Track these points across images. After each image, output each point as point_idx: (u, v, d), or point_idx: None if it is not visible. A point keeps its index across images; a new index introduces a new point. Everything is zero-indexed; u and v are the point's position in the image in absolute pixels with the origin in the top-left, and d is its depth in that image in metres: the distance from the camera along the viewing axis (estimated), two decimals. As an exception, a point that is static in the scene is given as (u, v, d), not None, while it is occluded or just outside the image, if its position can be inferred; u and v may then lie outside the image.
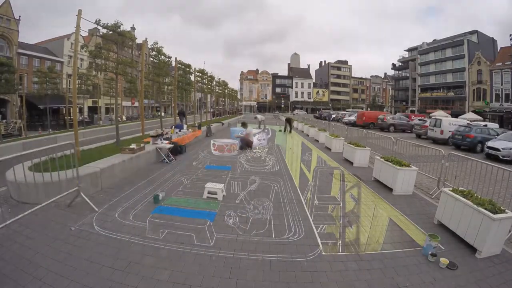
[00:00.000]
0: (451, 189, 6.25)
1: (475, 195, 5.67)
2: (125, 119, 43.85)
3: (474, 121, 36.81)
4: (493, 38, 64.76)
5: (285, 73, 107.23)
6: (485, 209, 5.04)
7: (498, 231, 4.98)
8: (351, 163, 12.42)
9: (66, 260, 4.29)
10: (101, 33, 11.73)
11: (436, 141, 23.07)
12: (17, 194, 6.41)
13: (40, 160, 6.34)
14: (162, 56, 17.69)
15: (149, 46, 18.28)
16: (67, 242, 4.83)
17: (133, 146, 9.96)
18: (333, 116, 56.12)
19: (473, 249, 5.15)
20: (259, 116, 29.47)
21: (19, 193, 6.33)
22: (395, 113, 73.42)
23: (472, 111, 52.13)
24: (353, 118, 43.72)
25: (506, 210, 5.11)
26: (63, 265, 4.16)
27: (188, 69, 23.68)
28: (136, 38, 19.36)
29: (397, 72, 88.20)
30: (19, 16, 35.48)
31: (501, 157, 15.72)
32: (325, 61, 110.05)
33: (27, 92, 32.04)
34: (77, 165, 6.37)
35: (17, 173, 5.91)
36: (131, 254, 4.58)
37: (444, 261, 4.64)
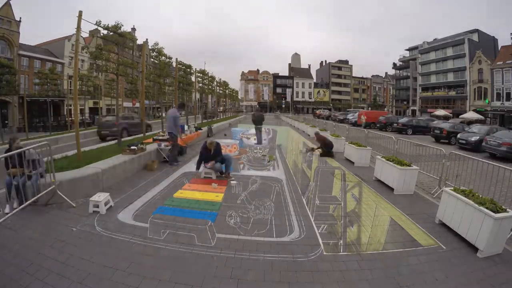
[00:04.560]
0: (452, 188, 6.25)
1: (476, 194, 5.67)
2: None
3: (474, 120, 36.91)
4: (493, 36, 64.72)
5: (286, 72, 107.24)
6: (487, 208, 5.04)
7: (499, 230, 4.98)
8: (352, 163, 12.43)
9: (67, 261, 4.29)
10: (101, 34, 11.74)
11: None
12: (19, 195, 6.40)
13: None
14: (163, 57, 17.71)
15: (150, 47, 18.29)
16: (68, 243, 4.84)
17: (134, 147, 9.95)
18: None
19: (474, 248, 5.15)
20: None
21: (21, 194, 6.32)
22: (396, 113, 73.50)
23: (473, 110, 52.12)
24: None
25: (508, 210, 5.11)
26: (65, 266, 4.17)
27: (189, 69, 23.69)
28: (137, 39, 19.36)
29: (398, 71, 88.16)
30: (20, 18, 35.57)
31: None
32: (325, 61, 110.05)
33: (28, 94, 32.07)
34: (52, 163, 6.33)
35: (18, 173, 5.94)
36: (132, 254, 4.59)
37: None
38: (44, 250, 4.56)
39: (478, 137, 20.19)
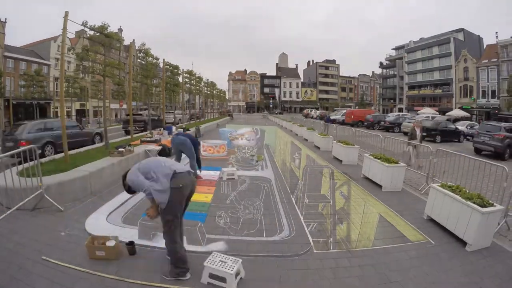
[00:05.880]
0: (439, 184, 6.34)
1: (464, 189, 5.75)
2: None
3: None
4: (479, 36, 65.77)
5: (273, 72, 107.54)
6: (474, 203, 5.11)
7: (487, 224, 5.07)
8: (340, 161, 12.50)
9: (57, 266, 4.22)
10: (88, 35, 11.64)
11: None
12: (5, 200, 6.30)
13: (29, 165, 6.26)
14: (150, 58, 17.61)
15: (137, 48, 18.18)
16: (58, 247, 4.76)
17: (121, 149, 9.87)
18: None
19: (463, 243, 5.23)
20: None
21: (7, 199, 6.22)
22: (383, 111, 74.09)
23: (459, 108, 52.80)
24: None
25: (495, 204, 5.20)
26: (55, 271, 4.10)
27: (176, 70, 23.59)
28: (124, 40, 19.24)
29: (385, 70, 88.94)
30: (5, 19, 35.12)
31: None
32: (313, 61, 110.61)
33: (14, 96, 31.67)
34: (39, 167, 6.30)
35: (5, 178, 5.86)
36: (122, 258, 4.54)
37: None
38: (33, 255, 4.48)
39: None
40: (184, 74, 26.57)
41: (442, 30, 76.52)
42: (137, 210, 6.53)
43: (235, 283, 3.88)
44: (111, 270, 4.16)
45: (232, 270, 3.84)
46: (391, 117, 36.43)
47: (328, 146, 15.31)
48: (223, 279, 3.85)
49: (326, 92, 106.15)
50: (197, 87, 32.06)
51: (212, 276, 3.93)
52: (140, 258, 4.55)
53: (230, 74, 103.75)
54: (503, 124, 17.89)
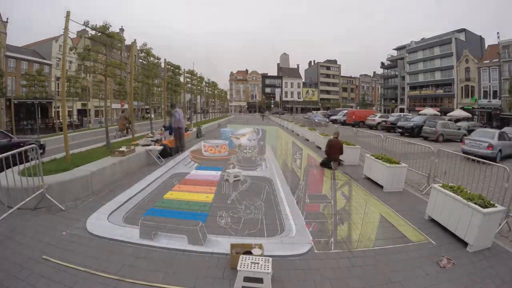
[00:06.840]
0: (441, 185, 6.34)
1: (465, 190, 5.75)
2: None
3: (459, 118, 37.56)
4: (480, 36, 65.58)
5: (275, 72, 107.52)
6: (475, 203, 5.11)
7: (488, 225, 5.07)
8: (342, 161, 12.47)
9: (58, 265, 4.23)
10: (89, 35, 11.63)
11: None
12: (7, 199, 6.31)
13: (30, 164, 6.28)
14: (151, 58, 17.60)
15: (138, 48, 18.17)
16: (59, 247, 4.78)
17: (123, 148, 9.87)
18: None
19: (464, 243, 5.23)
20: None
21: (9, 198, 6.23)
22: (384, 111, 74.03)
23: (461, 108, 52.70)
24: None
25: (496, 204, 5.20)
26: (56, 270, 4.11)
27: (177, 70, 23.55)
28: (125, 40, 19.25)
29: (386, 70, 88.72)
30: (7, 18, 35.11)
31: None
32: (314, 61, 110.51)
33: (15, 96, 31.70)
34: (40, 166, 6.28)
35: (7, 178, 5.87)
36: (123, 257, 4.55)
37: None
38: (35, 255, 4.49)
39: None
40: (185, 74, 26.55)
41: (443, 30, 76.65)
42: (138, 209, 6.54)
43: (270, 282, 3.94)
44: (112, 270, 4.17)
45: (268, 269, 3.94)
46: (392, 117, 36.31)
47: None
48: (259, 280, 3.92)
49: (327, 92, 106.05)
50: (199, 87, 32.04)
51: (247, 279, 3.94)
52: (141, 258, 4.56)
53: (231, 74, 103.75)
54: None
